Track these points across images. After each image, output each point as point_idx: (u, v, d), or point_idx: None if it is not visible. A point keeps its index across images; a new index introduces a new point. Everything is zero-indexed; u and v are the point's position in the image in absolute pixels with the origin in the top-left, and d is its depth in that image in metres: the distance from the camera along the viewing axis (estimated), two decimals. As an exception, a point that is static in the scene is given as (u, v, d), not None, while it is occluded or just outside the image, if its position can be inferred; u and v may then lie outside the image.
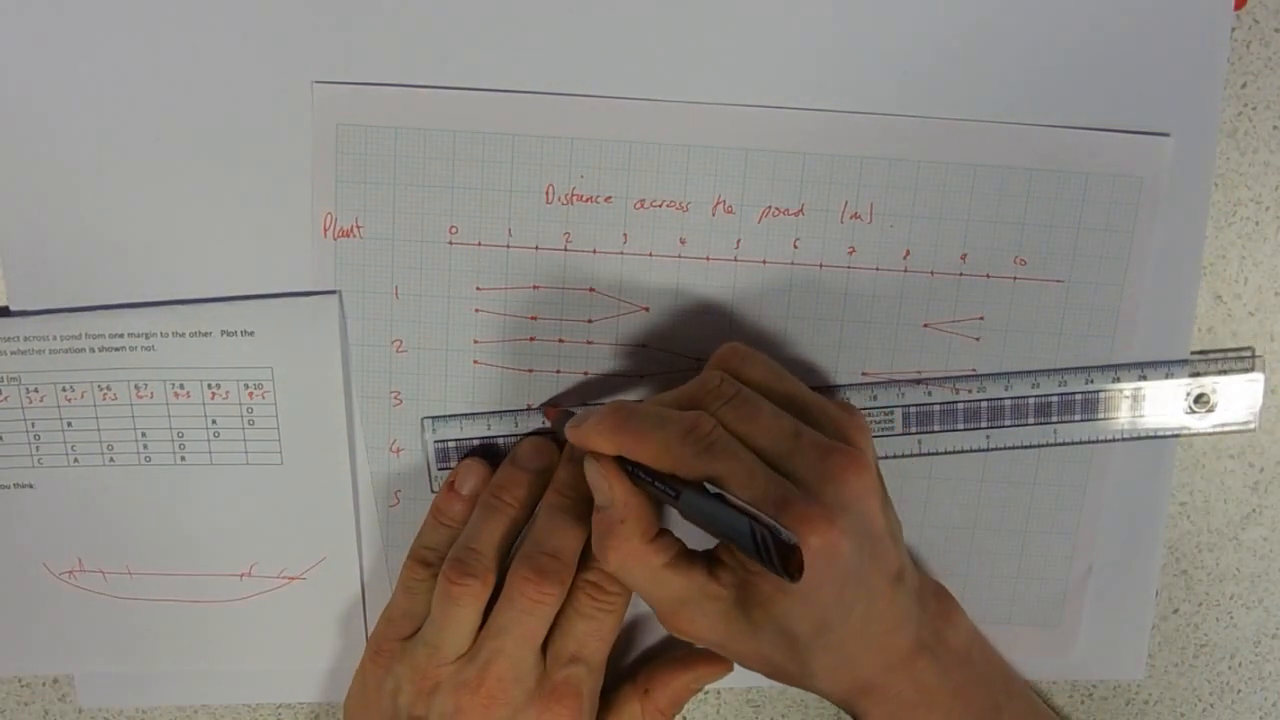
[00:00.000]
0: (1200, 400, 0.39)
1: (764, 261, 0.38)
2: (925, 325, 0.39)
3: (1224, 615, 0.43)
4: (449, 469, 0.39)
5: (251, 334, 0.38)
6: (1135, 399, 0.39)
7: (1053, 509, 0.40)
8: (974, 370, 0.39)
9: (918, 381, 0.39)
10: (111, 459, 0.38)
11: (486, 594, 0.35)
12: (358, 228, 0.37)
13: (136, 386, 0.38)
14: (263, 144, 0.36)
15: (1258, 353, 0.40)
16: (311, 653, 0.41)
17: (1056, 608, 0.41)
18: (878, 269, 0.38)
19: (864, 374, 0.39)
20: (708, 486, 0.29)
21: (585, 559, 0.36)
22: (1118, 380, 0.39)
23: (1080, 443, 0.39)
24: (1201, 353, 0.40)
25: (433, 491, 0.39)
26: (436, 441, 0.39)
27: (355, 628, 0.40)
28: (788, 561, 0.27)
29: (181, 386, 0.38)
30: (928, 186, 0.37)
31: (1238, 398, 0.39)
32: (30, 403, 0.38)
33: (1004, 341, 0.39)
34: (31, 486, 0.39)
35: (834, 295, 0.38)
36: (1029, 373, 0.39)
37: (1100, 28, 0.37)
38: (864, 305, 0.38)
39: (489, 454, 0.39)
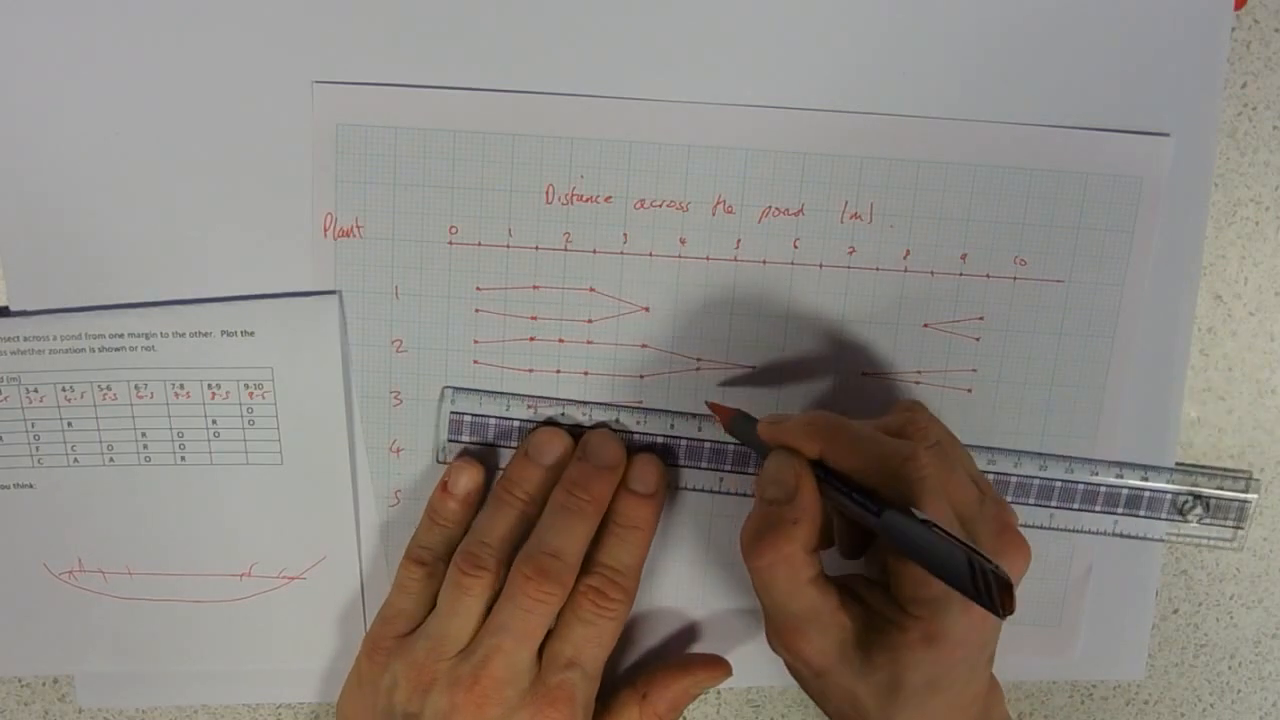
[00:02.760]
0: (1192, 511, 0.40)
1: (764, 261, 0.38)
2: (925, 325, 0.39)
3: (1224, 615, 0.43)
4: (460, 442, 0.39)
5: (251, 334, 0.38)
6: (1132, 499, 0.40)
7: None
8: (974, 370, 0.39)
9: None
10: (111, 459, 0.38)
11: (495, 587, 0.35)
12: (358, 228, 0.37)
13: (136, 386, 0.38)
14: (263, 144, 0.36)
15: (1255, 474, 0.41)
16: (311, 653, 0.41)
17: (1056, 608, 0.41)
18: (878, 269, 0.38)
19: (864, 374, 0.39)
20: (915, 512, 0.29)
21: (590, 562, 0.36)
22: (1120, 476, 0.40)
23: (1073, 530, 0.40)
24: (1201, 467, 0.41)
25: (438, 460, 0.39)
26: (453, 413, 0.39)
27: (355, 628, 0.40)
28: (1003, 596, 0.27)
29: (181, 386, 0.38)
30: (928, 186, 0.37)
31: (1229, 515, 0.41)
32: (30, 403, 0.38)
33: (1004, 341, 0.39)
34: (31, 486, 0.39)
35: (834, 295, 0.38)
36: (1038, 455, 0.39)
37: (1100, 28, 0.37)
38: (864, 305, 0.38)
39: (487, 452, 0.39)
